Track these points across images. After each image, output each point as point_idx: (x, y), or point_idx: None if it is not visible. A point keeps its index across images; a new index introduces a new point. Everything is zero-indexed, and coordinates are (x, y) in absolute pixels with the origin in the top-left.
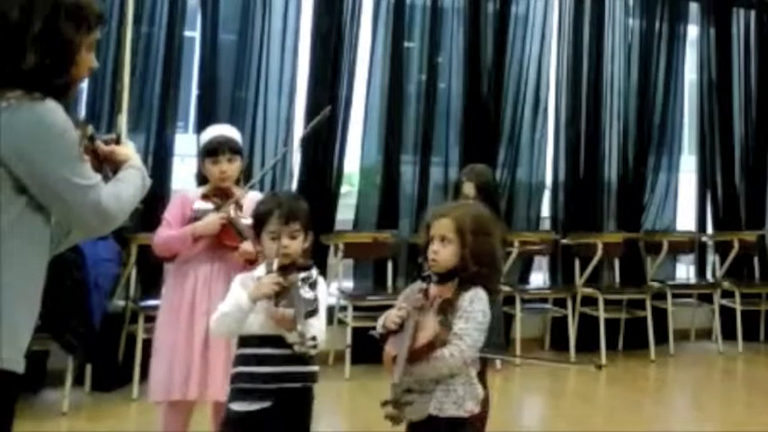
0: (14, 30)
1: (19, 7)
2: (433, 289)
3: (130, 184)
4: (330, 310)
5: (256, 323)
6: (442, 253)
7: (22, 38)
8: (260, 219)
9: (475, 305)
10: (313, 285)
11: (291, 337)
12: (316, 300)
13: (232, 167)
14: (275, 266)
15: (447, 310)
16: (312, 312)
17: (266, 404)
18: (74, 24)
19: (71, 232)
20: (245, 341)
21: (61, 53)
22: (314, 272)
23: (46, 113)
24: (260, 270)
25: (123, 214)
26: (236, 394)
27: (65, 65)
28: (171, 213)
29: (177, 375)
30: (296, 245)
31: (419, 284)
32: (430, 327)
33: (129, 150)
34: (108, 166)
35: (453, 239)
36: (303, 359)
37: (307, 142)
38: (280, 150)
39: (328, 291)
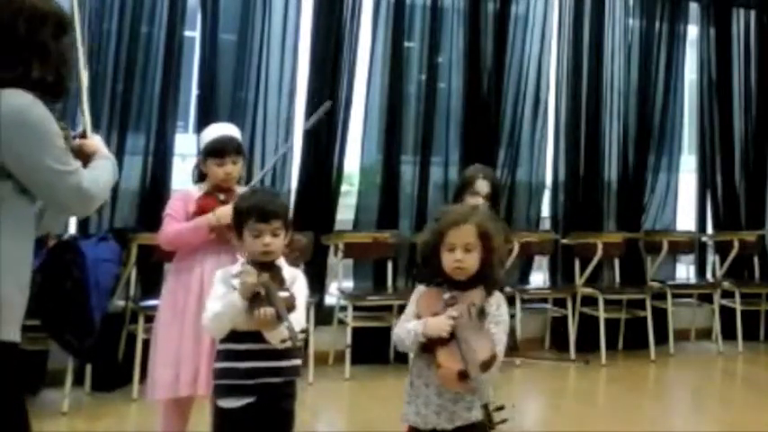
0: (21, 44)
1: (26, 24)
2: (462, 295)
3: (104, 170)
4: (330, 310)
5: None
6: (468, 260)
7: (27, 51)
8: (241, 215)
9: (502, 309)
10: (282, 282)
11: (276, 336)
12: (292, 296)
13: (236, 168)
14: (243, 262)
15: (481, 316)
16: (291, 308)
17: (250, 399)
18: (52, 32)
19: (54, 215)
20: (225, 337)
21: (61, 68)
22: (286, 270)
23: (30, 107)
24: (239, 266)
25: (102, 197)
26: (221, 390)
27: (62, 76)
28: (174, 209)
29: (185, 372)
30: (278, 242)
31: (436, 291)
32: (485, 337)
33: (96, 143)
34: (79, 158)
35: (476, 245)
36: (284, 353)
37: (309, 134)
38: (280, 148)
39: (328, 291)
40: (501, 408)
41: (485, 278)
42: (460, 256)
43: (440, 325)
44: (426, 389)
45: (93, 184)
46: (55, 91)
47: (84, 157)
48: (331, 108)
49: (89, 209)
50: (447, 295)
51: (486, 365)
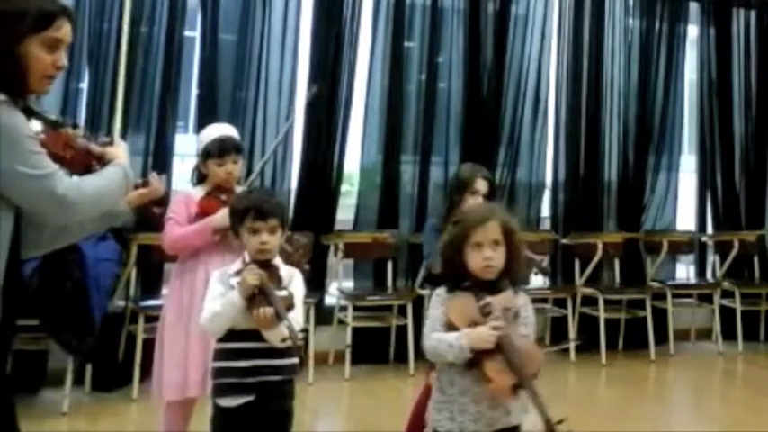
0: None
1: None
2: (494, 299)
3: (104, 177)
4: (330, 310)
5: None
6: (496, 258)
7: None
8: (238, 214)
9: (529, 309)
10: (280, 281)
11: (275, 335)
12: (291, 295)
13: (237, 168)
14: (247, 260)
15: (513, 319)
16: (290, 307)
17: (249, 398)
18: (7, 25)
19: (70, 226)
20: (223, 336)
21: (19, 65)
22: (283, 269)
23: None
24: (236, 265)
25: (86, 204)
26: (220, 389)
27: (20, 73)
28: (177, 213)
29: (194, 373)
30: (275, 240)
31: (465, 296)
32: (530, 345)
33: (119, 151)
34: (99, 164)
35: (502, 242)
36: (282, 352)
37: (309, 134)
38: (280, 150)
39: (328, 291)
40: (561, 422)
41: (510, 276)
42: (490, 254)
43: (485, 337)
44: (462, 397)
45: (73, 189)
46: (20, 89)
47: (105, 164)
48: (331, 108)
49: (67, 215)
50: (482, 302)
51: (536, 374)
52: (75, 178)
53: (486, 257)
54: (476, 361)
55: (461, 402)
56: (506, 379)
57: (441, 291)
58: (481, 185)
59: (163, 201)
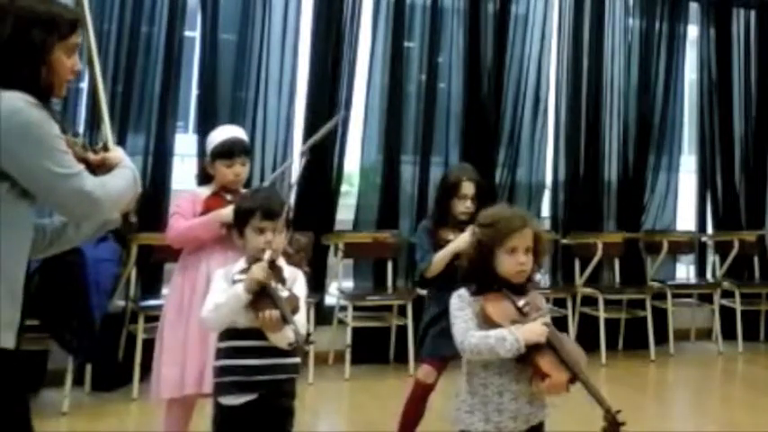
0: (31, 49)
1: (35, 30)
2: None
3: (120, 178)
4: (330, 310)
5: (238, 316)
6: (529, 263)
7: (38, 56)
8: (244, 215)
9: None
10: (284, 282)
11: (281, 339)
12: (296, 296)
13: (245, 169)
14: (266, 258)
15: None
16: (295, 309)
17: (253, 396)
18: (42, 32)
19: (66, 231)
20: (225, 334)
21: (30, 56)
22: (286, 269)
23: (25, 110)
24: (241, 264)
25: (110, 202)
26: (223, 388)
27: (36, 67)
28: (182, 208)
29: (191, 370)
30: (280, 240)
31: (496, 296)
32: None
33: (119, 154)
34: (102, 171)
35: (531, 249)
36: (285, 351)
37: (309, 134)
38: (280, 150)
39: (328, 291)
40: (619, 411)
41: (530, 280)
42: (524, 259)
43: (537, 332)
44: (500, 397)
45: (97, 187)
46: (49, 95)
47: (107, 169)
48: (331, 108)
49: (94, 213)
50: (522, 302)
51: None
52: (98, 178)
53: (520, 262)
54: (524, 357)
55: (498, 402)
56: (562, 373)
57: (463, 292)
58: (468, 188)
59: (138, 208)
